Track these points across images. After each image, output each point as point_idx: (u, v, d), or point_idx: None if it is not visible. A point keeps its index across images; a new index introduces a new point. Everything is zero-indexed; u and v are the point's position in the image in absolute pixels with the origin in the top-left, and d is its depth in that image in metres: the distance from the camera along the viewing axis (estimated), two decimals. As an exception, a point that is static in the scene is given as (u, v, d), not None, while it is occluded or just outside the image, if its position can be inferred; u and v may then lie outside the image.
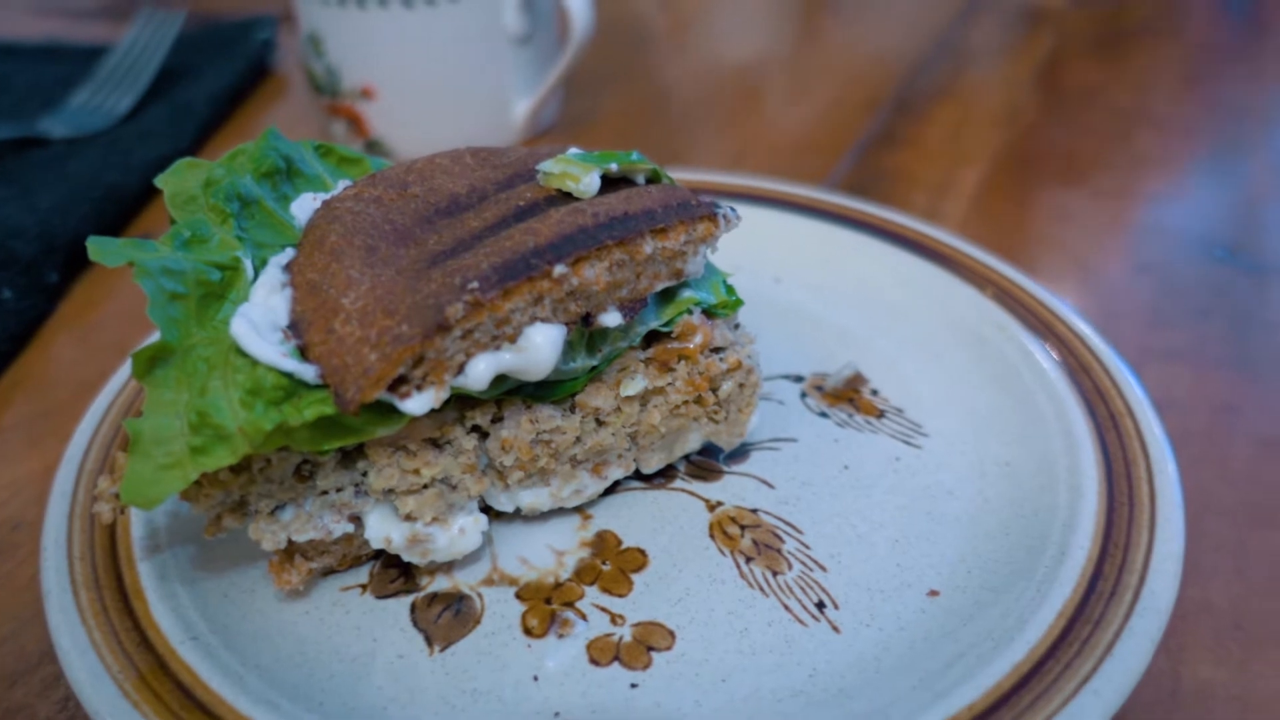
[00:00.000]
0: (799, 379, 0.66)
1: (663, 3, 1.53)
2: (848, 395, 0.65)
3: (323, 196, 0.54)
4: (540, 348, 0.46)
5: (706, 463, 0.60)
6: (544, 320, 0.47)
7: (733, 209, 0.54)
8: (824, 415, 0.63)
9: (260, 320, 0.45)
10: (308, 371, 0.44)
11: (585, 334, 0.51)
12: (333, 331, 0.44)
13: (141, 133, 1.02)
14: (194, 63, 1.18)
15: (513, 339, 0.46)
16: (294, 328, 0.46)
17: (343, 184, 0.56)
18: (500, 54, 0.96)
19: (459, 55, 0.95)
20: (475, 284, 0.44)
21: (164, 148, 0.99)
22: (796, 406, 0.64)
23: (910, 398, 0.64)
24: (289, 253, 0.50)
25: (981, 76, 1.24)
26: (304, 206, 0.53)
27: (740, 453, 0.60)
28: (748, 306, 0.62)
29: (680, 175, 0.78)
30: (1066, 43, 1.34)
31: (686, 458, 0.60)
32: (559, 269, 0.46)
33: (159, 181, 0.53)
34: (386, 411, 0.45)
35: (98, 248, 0.47)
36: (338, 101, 0.99)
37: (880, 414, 0.63)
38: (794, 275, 0.75)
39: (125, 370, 0.60)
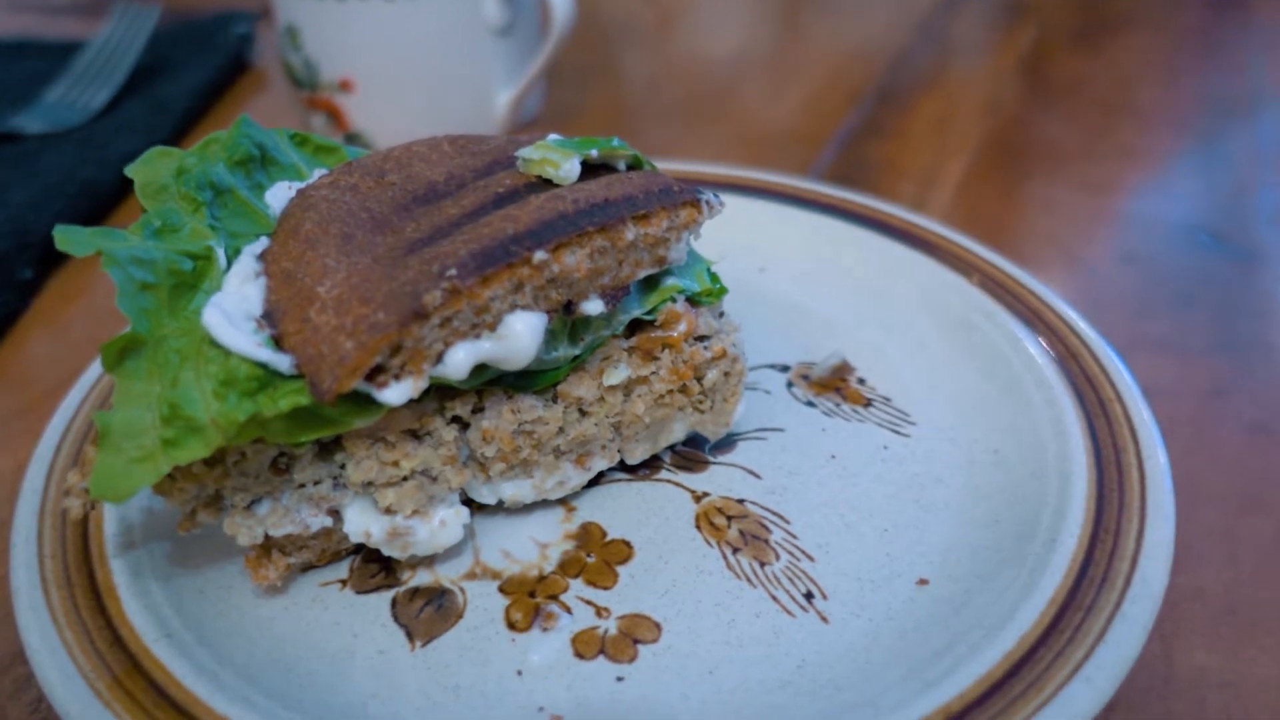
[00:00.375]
0: (785, 368, 0.65)
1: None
2: (834, 384, 0.64)
3: (298, 185, 0.53)
4: (521, 336, 0.46)
5: (692, 453, 0.59)
6: (524, 308, 0.46)
7: (715, 195, 0.53)
8: (811, 404, 0.62)
9: (234, 310, 0.44)
10: (283, 361, 0.42)
11: (567, 322, 0.50)
12: (308, 320, 0.43)
13: (117, 128, 1.01)
14: (171, 58, 1.16)
15: (492, 327, 0.45)
16: (268, 317, 0.45)
17: (318, 173, 0.55)
18: (481, 46, 0.95)
19: (439, 47, 0.93)
20: (453, 271, 0.43)
21: (140, 143, 0.97)
22: (783, 396, 0.63)
23: (898, 386, 0.64)
24: (263, 242, 0.49)
25: (965, 67, 1.24)
26: (279, 195, 0.52)
27: (726, 443, 0.60)
28: (733, 296, 0.61)
29: (666, 166, 0.77)
30: (1050, 33, 1.34)
31: (672, 448, 0.59)
32: (539, 255, 0.45)
33: (129, 171, 0.52)
34: (364, 402, 0.44)
35: (65, 237, 0.46)
36: (316, 94, 0.98)
37: (867, 403, 0.62)
38: (780, 265, 0.74)
39: (99, 365, 0.59)
